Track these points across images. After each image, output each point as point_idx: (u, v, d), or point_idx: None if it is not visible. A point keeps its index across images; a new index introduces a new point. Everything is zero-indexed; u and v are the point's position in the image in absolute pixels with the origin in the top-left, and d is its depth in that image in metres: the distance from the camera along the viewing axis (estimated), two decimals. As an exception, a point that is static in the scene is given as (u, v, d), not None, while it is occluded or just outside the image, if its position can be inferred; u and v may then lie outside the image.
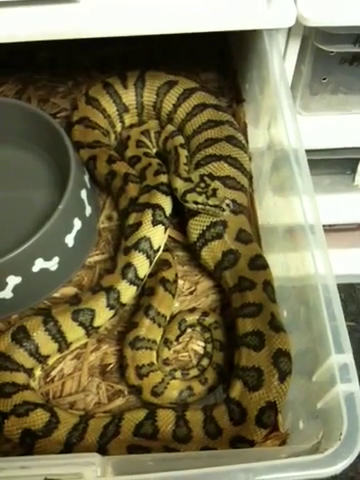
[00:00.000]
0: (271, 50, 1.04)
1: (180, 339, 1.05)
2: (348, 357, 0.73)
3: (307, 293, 0.85)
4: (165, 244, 1.08)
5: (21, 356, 0.95)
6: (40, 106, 1.32)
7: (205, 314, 1.05)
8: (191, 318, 1.04)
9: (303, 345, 0.87)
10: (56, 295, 1.07)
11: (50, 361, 0.99)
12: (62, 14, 0.97)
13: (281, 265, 1.00)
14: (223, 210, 0.99)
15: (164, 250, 1.08)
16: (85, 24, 0.98)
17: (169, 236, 1.12)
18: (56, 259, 1.01)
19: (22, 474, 0.70)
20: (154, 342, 1.00)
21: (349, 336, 1.97)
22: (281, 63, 1.04)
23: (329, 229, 1.67)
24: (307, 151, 1.05)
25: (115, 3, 0.98)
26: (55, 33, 0.98)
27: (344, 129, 1.29)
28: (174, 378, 0.99)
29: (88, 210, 1.09)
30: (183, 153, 1.12)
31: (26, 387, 0.94)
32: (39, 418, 0.89)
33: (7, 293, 0.99)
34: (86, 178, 1.12)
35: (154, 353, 1.01)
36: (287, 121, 0.96)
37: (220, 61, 1.41)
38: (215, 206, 1.00)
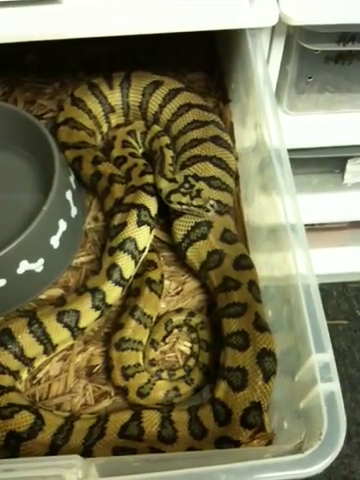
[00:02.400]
0: (254, 50, 1.04)
1: (166, 340, 1.05)
2: (329, 356, 0.73)
3: (289, 293, 0.85)
4: (151, 244, 1.08)
5: (6, 358, 0.94)
6: (27, 107, 1.32)
7: (191, 314, 1.04)
8: (177, 318, 1.04)
9: (287, 345, 0.87)
10: (42, 297, 1.07)
11: (36, 363, 0.99)
12: (45, 15, 0.97)
13: (266, 265, 1.01)
14: (207, 211, 0.99)
15: (150, 250, 1.08)
16: (68, 25, 0.98)
17: (155, 236, 1.12)
18: (41, 261, 1.01)
19: (3, 477, 0.70)
20: (140, 343, 1.00)
21: (342, 334, 1.97)
22: (264, 64, 1.04)
23: (319, 228, 1.68)
24: (295, 150, 1.05)
25: (98, 3, 0.98)
26: (38, 34, 0.98)
27: (332, 128, 1.30)
28: (160, 379, 0.99)
29: (74, 211, 1.08)
30: (169, 153, 1.12)
31: (11, 389, 0.94)
32: (24, 420, 0.89)
33: (-8, 295, 0.99)
34: (71, 179, 1.12)
35: (140, 354, 1.00)
36: (270, 123, 0.96)
37: (207, 61, 1.41)
38: (199, 207, 1.00)
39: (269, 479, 0.67)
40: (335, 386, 0.71)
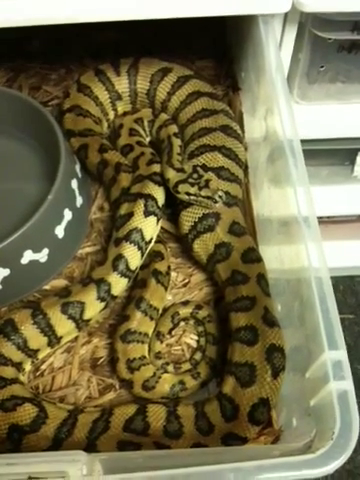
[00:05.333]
0: (266, 37, 1.01)
1: (173, 332, 1.03)
2: (342, 354, 0.71)
3: (301, 287, 0.82)
4: (158, 235, 1.06)
5: (9, 350, 0.92)
6: (32, 94, 1.29)
7: (198, 307, 1.03)
8: (184, 311, 1.02)
9: (297, 340, 0.85)
10: (46, 287, 1.05)
11: (40, 355, 0.97)
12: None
13: (276, 258, 0.98)
14: (215, 202, 0.97)
15: (157, 241, 1.05)
16: (75, 9, 0.94)
17: (162, 227, 1.10)
18: (46, 251, 0.99)
19: (5, 472, 0.68)
20: (146, 335, 0.98)
21: (348, 329, 1.95)
22: (277, 51, 1.01)
23: (328, 221, 1.66)
24: (305, 141, 1.02)
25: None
26: (44, 19, 0.95)
27: (343, 119, 1.27)
28: (166, 372, 0.97)
29: (79, 200, 1.06)
30: (176, 142, 1.09)
31: (14, 381, 0.92)
32: (27, 413, 0.87)
33: (-5, 285, 0.97)
34: (77, 168, 1.09)
35: (146, 346, 0.99)
36: (282, 111, 0.94)
37: (216, 48, 1.38)
38: (207, 197, 0.98)
39: (278, 479, 0.65)
40: (348, 385, 0.69)
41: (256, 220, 1.11)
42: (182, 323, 1.03)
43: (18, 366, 0.94)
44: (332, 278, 0.78)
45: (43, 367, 0.99)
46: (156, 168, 1.06)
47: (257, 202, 1.13)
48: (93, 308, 0.96)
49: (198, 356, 1.00)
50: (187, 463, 0.70)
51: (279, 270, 0.97)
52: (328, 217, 1.63)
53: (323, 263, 0.80)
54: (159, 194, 1.03)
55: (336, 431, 0.66)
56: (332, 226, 1.69)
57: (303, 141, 0.96)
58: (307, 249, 0.82)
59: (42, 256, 0.99)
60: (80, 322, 0.96)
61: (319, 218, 1.61)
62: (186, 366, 0.99)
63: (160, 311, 1.01)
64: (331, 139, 1.31)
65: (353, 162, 1.46)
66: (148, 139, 1.18)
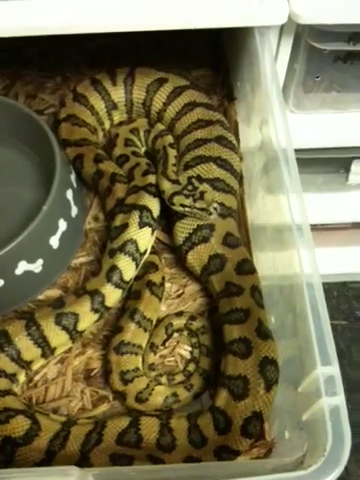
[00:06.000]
0: (262, 48, 1.01)
1: (167, 344, 1.03)
2: (334, 369, 0.71)
3: (294, 298, 0.83)
4: (153, 246, 1.06)
5: (3, 361, 0.92)
6: (27, 102, 1.29)
7: (192, 318, 1.02)
8: (178, 322, 1.02)
9: (290, 353, 0.85)
10: (40, 297, 1.05)
11: (34, 366, 0.97)
12: (50, 9, 0.94)
13: (270, 265, 0.98)
14: (210, 213, 0.97)
15: (151, 252, 1.05)
16: (71, 19, 0.95)
17: (157, 238, 1.10)
18: (40, 261, 0.99)
19: (-3, 487, 0.68)
20: (140, 347, 0.98)
21: (341, 335, 1.95)
22: (272, 62, 1.01)
23: (322, 228, 1.66)
24: (300, 150, 1.03)
25: (104, -1, 0.95)
26: (40, 28, 0.95)
27: (338, 128, 1.27)
28: (159, 384, 0.97)
29: (74, 211, 1.06)
30: (172, 153, 1.09)
31: (7, 393, 0.92)
32: (20, 425, 0.87)
33: (-11, 296, 0.97)
34: (72, 177, 1.09)
35: (139, 358, 0.98)
36: (277, 122, 0.94)
37: (213, 58, 1.38)
38: (202, 209, 0.98)
39: (271, 495, 0.65)
40: (340, 400, 0.69)
41: (250, 229, 1.11)
42: (176, 334, 1.03)
43: (12, 377, 0.94)
44: (326, 284, 0.78)
45: (36, 378, 0.99)
46: (151, 179, 1.06)
47: (251, 211, 1.13)
48: (87, 319, 0.96)
49: (191, 367, 0.99)
50: (179, 478, 0.70)
51: (273, 277, 0.98)
52: (322, 224, 1.64)
53: (315, 269, 0.81)
54: (154, 205, 1.03)
55: (328, 448, 0.66)
56: (327, 233, 1.69)
57: (298, 150, 0.96)
58: (299, 256, 0.82)
59: (36, 267, 0.99)
60: (74, 333, 0.96)
61: (314, 225, 1.62)
62: (179, 377, 0.98)
63: (154, 322, 1.01)
64: (326, 148, 1.31)
65: (348, 170, 1.47)
66: (143, 149, 1.18)
